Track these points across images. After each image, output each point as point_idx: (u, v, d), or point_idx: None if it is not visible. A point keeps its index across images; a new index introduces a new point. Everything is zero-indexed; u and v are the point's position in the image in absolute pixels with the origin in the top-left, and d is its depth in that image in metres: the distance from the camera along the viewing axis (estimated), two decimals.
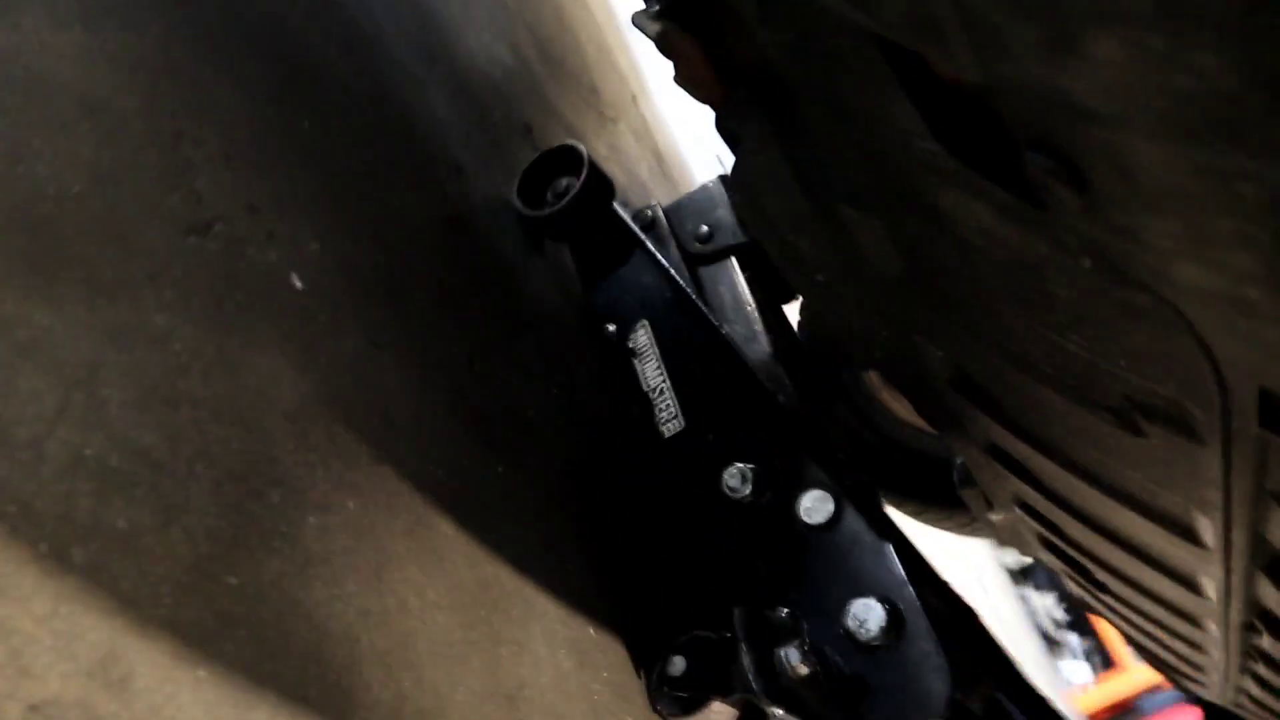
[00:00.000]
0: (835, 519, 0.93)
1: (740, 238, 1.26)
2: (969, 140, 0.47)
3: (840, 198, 0.61)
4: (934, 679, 0.75)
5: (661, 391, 1.12)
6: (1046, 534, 1.05)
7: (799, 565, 0.90)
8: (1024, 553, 1.50)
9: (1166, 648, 1.10)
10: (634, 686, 0.77)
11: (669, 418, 1.10)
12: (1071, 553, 1.03)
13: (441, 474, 0.69)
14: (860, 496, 0.96)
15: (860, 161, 0.54)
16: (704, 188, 1.34)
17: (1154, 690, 4.61)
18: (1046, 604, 5.79)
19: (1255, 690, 0.98)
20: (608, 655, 0.78)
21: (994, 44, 0.36)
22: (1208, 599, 0.80)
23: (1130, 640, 1.27)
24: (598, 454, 1.03)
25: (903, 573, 0.86)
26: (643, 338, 1.17)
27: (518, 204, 1.20)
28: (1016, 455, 0.88)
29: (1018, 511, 1.08)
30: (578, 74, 1.72)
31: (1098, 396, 0.57)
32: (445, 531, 0.65)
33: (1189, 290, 0.39)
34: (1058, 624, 5.57)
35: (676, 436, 1.09)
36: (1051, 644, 5.42)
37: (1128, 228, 0.38)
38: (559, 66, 1.61)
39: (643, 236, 1.24)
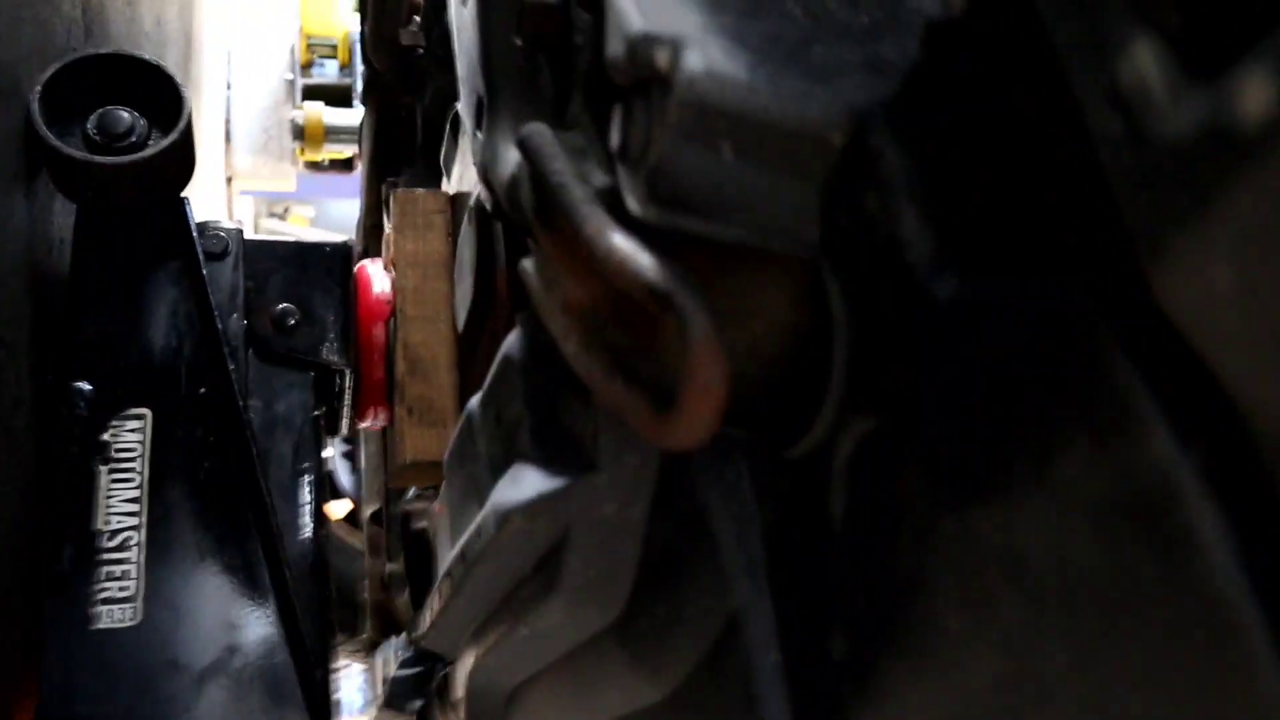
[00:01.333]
0: None
1: (342, 359, 0.83)
2: None
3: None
4: None
5: (126, 544, 0.65)
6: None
7: None
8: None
9: None
10: None
11: (118, 597, 0.63)
12: None
13: None
14: None
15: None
16: (308, 249, 0.88)
17: None
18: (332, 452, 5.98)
19: None
20: None
21: None
22: None
23: None
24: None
25: None
26: (132, 434, 0.69)
27: (40, 121, 0.67)
28: None
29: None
30: None
31: None
32: None
33: None
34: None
35: (117, 634, 0.62)
36: None
37: None
38: None
39: (204, 271, 0.77)
